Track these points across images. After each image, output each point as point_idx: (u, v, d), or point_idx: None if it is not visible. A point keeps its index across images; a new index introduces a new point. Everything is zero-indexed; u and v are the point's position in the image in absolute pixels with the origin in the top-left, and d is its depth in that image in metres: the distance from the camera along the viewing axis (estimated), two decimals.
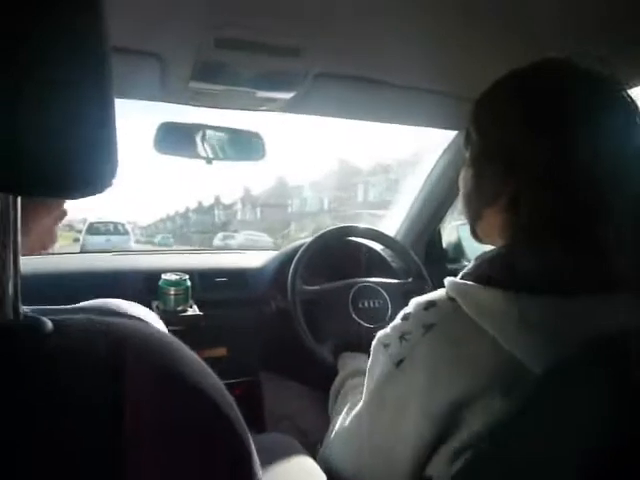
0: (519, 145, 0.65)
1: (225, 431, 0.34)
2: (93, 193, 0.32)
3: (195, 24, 0.87)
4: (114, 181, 0.33)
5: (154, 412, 0.32)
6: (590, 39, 0.90)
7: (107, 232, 15.22)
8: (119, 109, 0.36)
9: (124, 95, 1.13)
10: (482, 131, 0.71)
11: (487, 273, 0.62)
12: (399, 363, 0.63)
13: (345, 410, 0.80)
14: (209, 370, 0.37)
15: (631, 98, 0.66)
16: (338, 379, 1.09)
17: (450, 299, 0.63)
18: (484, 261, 0.65)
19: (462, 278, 0.64)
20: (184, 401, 0.33)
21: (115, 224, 16.17)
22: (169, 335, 0.37)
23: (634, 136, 0.63)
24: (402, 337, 0.64)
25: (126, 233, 15.80)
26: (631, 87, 0.68)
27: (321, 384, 1.45)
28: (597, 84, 0.65)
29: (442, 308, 0.63)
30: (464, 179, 0.75)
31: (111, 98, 0.33)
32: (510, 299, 0.58)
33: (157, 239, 30.46)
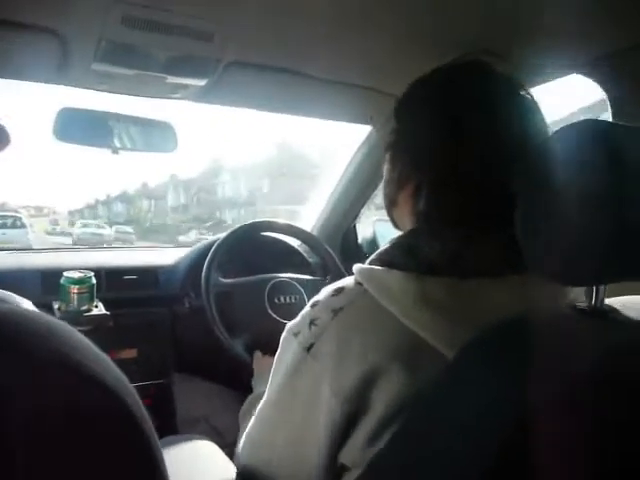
0: (425, 140, 0.70)
1: (125, 419, 0.32)
2: None
3: None
4: None
5: (38, 399, 0.28)
6: (499, 41, 0.94)
7: (3, 226, 15.11)
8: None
9: (18, 76, 1.04)
10: (400, 121, 0.76)
11: (391, 257, 0.65)
12: (309, 348, 0.64)
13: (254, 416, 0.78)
14: (105, 356, 0.34)
15: (533, 98, 0.72)
16: (249, 399, 1.06)
17: (358, 284, 0.65)
18: (389, 246, 0.67)
19: (370, 264, 0.66)
20: (74, 386, 0.30)
21: (13, 218, 16.29)
22: (56, 320, 0.34)
23: (535, 136, 0.67)
24: (312, 323, 0.65)
25: (23, 226, 15.70)
26: (532, 86, 0.74)
27: (236, 383, 1.42)
28: (504, 85, 0.71)
29: (350, 292, 0.65)
30: (385, 164, 0.78)
31: None
32: (410, 280, 0.61)
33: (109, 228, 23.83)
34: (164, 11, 0.86)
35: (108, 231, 23.80)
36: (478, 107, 0.67)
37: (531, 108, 0.71)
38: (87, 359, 0.32)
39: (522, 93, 0.71)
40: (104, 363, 0.33)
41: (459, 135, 0.67)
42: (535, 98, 0.72)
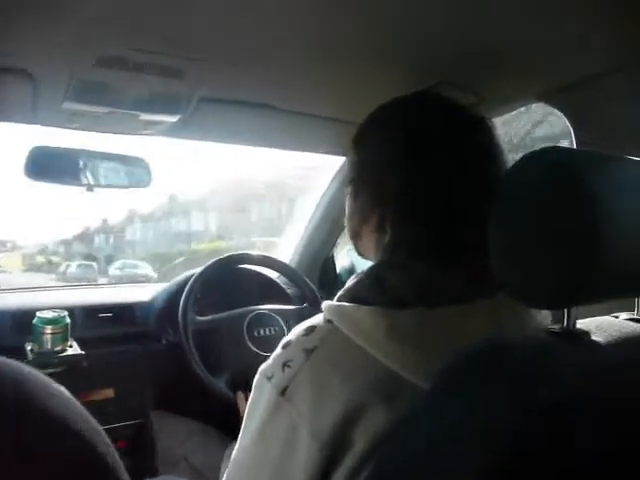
0: (386, 174, 0.70)
1: (97, 467, 0.31)
2: None
3: (73, 40, 0.81)
4: None
5: (10, 450, 0.28)
6: (465, 73, 0.96)
7: None
8: None
9: None
10: (359, 154, 0.76)
11: (358, 292, 0.65)
12: (284, 391, 0.62)
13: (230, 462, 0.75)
14: (78, 404, 0.33)
15: (491, 130, 0.73)
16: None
17: (328, 321, 0.64)
18: (356, 282, 0.67)
19: (338, 300, 0.66)
20: (47, 436, 0.29)
21: None
22: (27, 367, 0.33)
23: (495, 167, 0.69)
24: (285, 365, 0.64)
25: None
26: (495, 116, 0.75)
27: (216, 419, 1.39)
28: (464, 117, 0.72)
29: (321, 331, 0.64)
30: (347, 197, 0.78)
31: None
32: (379, 315, 0.60)
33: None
34: (135, 50, 0.87)
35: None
36: (437, 142, 0.68)
37: (489, 140, 0.72)
38: (65, 408, 0.32)
39: (482, 125, 0.73)
40: (76, 410, 0.33)
41: (420, 170, 0.67)
42: (495, 130, 0.73)
